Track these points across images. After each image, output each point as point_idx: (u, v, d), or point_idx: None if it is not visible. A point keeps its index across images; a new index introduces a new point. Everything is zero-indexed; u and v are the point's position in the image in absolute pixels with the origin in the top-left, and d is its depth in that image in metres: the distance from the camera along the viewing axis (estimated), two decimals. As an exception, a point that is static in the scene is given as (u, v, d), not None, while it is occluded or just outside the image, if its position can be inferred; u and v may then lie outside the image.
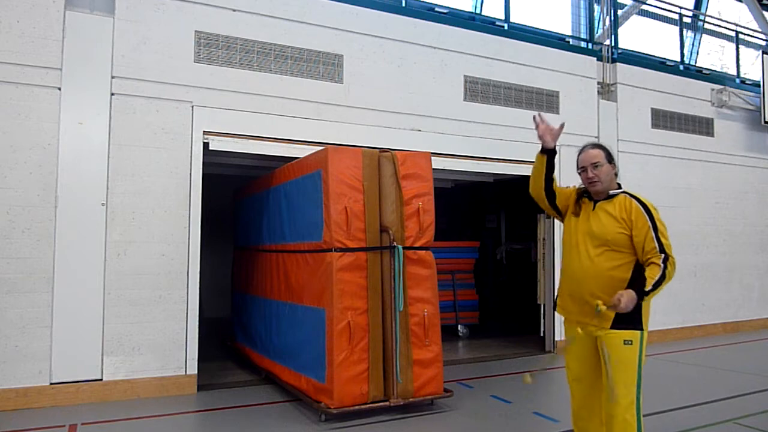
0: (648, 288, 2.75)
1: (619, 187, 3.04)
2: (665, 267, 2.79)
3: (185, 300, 5.22)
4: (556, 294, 3.26)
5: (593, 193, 3.04)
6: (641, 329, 2.87)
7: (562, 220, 3.25)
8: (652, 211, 2.91)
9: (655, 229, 2.85)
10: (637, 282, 2.82)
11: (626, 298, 2.70)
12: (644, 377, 2.86)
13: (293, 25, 5.85)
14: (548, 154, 3.07)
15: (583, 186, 3.14)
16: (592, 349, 2.98)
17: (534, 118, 3.06)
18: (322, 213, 4.53)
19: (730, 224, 9.04)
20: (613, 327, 2.86)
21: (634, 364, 2.81)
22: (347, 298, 4.40)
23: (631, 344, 2.82)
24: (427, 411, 4.66)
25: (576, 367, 3.09)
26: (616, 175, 3.04)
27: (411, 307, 4.61)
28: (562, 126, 3.07)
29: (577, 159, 3.08)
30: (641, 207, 2.90)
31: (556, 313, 3.30)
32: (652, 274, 2.78)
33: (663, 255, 2.81)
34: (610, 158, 3.02)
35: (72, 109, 4.91)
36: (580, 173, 3.06)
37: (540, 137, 3.04)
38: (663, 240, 2.85)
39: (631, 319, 2.84)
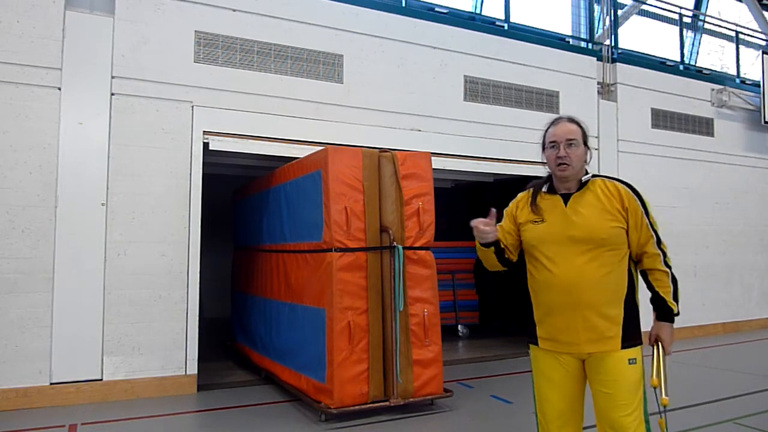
0: (677, 310, 2.35)
1: (587, 173, 2.45)
2: (671, 271, 2.35)
3: (185, 300, 5.22)
4: (532, 327, 2.51)
5: (560, 179, 2.40)
6: (641, 342, 2.38)
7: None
8: (642, 195, 2.40)
9: (648, 215, 2.35)
10: (631, 287, 2.36)
11: (667, 335, 2.35)
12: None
13: (293, 25, 5.85)
14: (494, 245, 2.44)
15: (534, 183, 2.52)
16: (579, 377, 2.40)
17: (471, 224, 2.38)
18: (322, 213, 4.53)
19: (730, 224, 9.05)
20: (623, 346, 2.32)
21: (640, 384, 2.33)
22: (347, 298, 4.40)
23: (635, 363, 2.32)
24: (427, 411, 4.66)
25: (558, 402, 2.41)
26: (586, 161, 2.44)
27: (411, 307, 4.60)
28: (492, 214, 2.42)
29: (546, 132, 2.44)
30: (629, 190, 2.37)
31: (537, 347, 2.48)
32: (663, 286, 2.34)
33: (661, 253, 2.34)
34: (585, 139, 2.42)
35: (72, 109, 4.91)
36: (546, 150, 2.43)
37: (481, 232, 2.36)
38: (657, 229, 2.36)
39: (635, 333, 2.35)
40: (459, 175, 7.50)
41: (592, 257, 2.29)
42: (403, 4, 6.69)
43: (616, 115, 7.99)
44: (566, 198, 2.39)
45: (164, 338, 5.12)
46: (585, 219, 2.32)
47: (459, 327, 8.39)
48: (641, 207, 2.33)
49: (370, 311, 4.48)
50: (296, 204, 5.13)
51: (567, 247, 2.32)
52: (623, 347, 2.30)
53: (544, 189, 2.46)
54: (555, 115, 2.76)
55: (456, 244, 8.77)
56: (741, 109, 9.34)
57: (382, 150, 4.82)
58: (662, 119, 8.45)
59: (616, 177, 2.44)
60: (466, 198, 11.29)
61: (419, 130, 6.47)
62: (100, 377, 4.89)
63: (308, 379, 4.67)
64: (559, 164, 2.35)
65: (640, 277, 2.44)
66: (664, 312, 2.37)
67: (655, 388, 2.25)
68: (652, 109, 8.36)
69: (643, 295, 2.42)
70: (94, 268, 4.92)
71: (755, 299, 9.36)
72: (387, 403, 4.45)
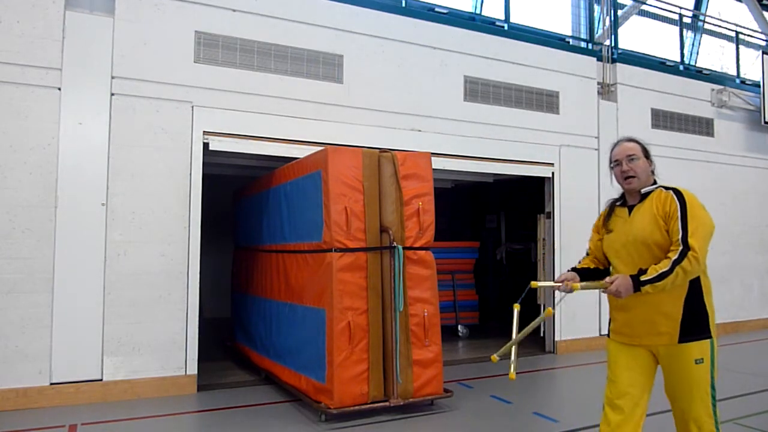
0: (645, 278, 2.41)
1: (654, 183, 2.71)
2: (676, 262, 2.40)
3: (185, 300, 5.22)
4: (609, 322, 2.81)
5: (628, 191, 2.71)
6: (710, 336, 2.52)
7: None
8: (686, 196, 2.54)
9: (684, 215, 2.48)
10: (693, 288, 2.56)
11: (619, 281, 2.43)
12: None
13: (293, 25, 5.85)
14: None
15: (611, 200, 2.85)
16: (648, 366, 2.64)
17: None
18: (322, 213, 4.53)
19: (730, 224, 9.04)
20: (681, 340, 2.50)
21: (705, 381, 2.49)
22: (347, 298, 4.40)
23: (702, 362, 2.48)
24: (427, 411, 4.66)
25: (625, 381, 2.62)
26: (653, 172, 2.71)
27: (411, 307, 4.60)
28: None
29: (611, 154, 2.76)
30: (674, 194, 2.55)
31: (609, 339, 2.79)
32: (658, 266, 2.42)
33: (682, 247, 2.43)
34: (646, 153, 2.70)
35: (72, 109, 4.91)
36: (613, 168, 2.73)
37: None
38: (691, 229, 2.46)
39: (699, 326, 2.51)
40: (459, 175, 7.49)
41: (650, 259, 2.53)
42: (403, 4, 6.69)
43: (616, 116, 7.98)
44: (631, 209, 2.69)
45: (164, 338, 5.12)
46: (639, 226, 2.60)
47: (459, 327, 8.39)
48: (679, 208, 2.51)
49: (370, 311, 4.49)
50: (296, 204, 5.13)
51: (629, 252, 2.62)
52: (682, 341, 2.49)
53: (618, 203, 2.78)
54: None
55: (456, 244, 8.78)
56: (741, 109, 9.34)
57: (382, 150, 4.82)
58: (662, 119, 8.45)
59: (674, 186, 2.62)
60: (466, 198, 11.30)
61: (419, 130, 6.47)
62: (100, 377, 4.89)
63: (308, 379, 4.67)
64: (625, 178, 2.66)
65: (710, 282, 2.69)
66: (638, 273, 2.46)
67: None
68: (652, 110, 8.35)
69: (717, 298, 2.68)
70: (94, 268, 4.92)
71: (755, 299, 9.35)
72: (387, 404, 4.45)
